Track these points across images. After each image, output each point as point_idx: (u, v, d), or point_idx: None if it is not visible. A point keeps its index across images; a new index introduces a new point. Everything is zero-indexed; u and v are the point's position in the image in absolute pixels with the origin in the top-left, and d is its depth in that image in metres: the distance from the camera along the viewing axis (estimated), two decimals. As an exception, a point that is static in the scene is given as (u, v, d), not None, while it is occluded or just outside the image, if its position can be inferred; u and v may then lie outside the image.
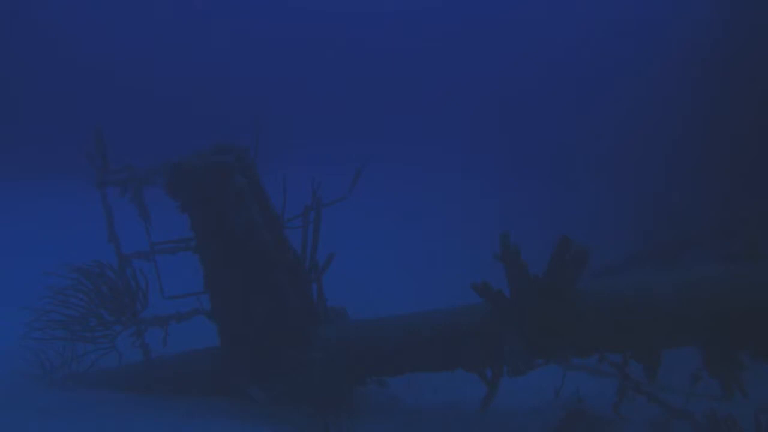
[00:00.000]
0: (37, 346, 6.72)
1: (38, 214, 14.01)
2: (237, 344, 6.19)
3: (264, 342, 6.09)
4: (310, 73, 23.44)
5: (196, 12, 22.75)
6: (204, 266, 6.12)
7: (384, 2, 24.10)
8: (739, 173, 11.10)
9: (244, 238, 5.89)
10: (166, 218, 6.37)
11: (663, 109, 13.67)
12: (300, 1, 23.69)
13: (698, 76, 12.59)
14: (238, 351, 6.19)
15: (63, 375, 6.75)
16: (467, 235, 12.39)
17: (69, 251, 7.61)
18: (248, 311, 6.05)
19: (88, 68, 19.96)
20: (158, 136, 15.02)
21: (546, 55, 20.58)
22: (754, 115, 10.99)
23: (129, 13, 21.77)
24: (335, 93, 22.22)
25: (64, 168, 13.03)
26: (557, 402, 6.26)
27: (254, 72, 21.96)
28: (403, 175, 16.98)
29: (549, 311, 5.44)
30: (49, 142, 17.05)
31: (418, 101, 21.75)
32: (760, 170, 10.57)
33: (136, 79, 20.14)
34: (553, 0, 21.58)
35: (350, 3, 23.73)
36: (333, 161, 14.10)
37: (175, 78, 20.38)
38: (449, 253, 12.29)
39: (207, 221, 5.95)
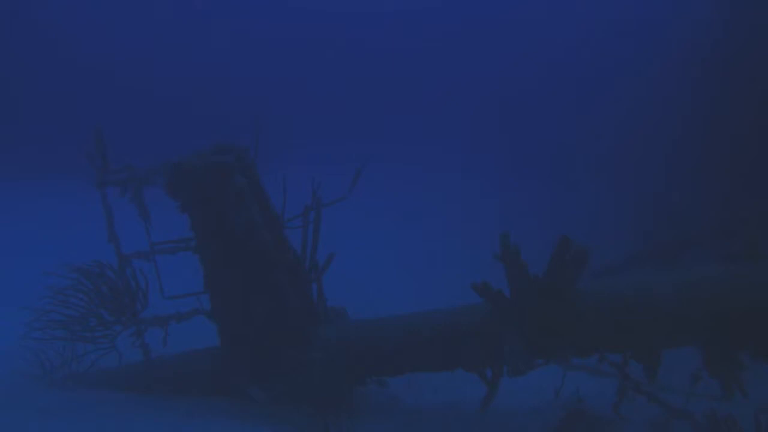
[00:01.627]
0: (37, 346, 6.72)
1: (38, 214, 14.01)
2: (237, 344, 6.19)
3: (264, 342, 6.09)
4: (310, 73, 23.44)
5: (196, 12, 22.75)
6: (204, 266, 6.12)
7: (384, 2, 24.10)
8: (739, 173, 11.09)
9: (244, 238, 5.89)
10: (166, 218, 6.37)
11: (663, 109, 13.66)
12: (300, 1, 23.69)
13: (698, 76, 12.59)
14: (238, 351, 6.19)
15: (63, 375, 6.75)
16: (467, 235, 12.39)
17: (69, 251, 7.61)
18: (248, 311, 6.05)
19: (88, 68, 19.96)
20: (158, 136, 15.02)
21: (546, 55, 20.58)
22: (754, 115, 10.98)
23: (129, 13, 21.77)
24: (335, 93, 22.22)
25: (64, 168, 13.03)
26: (557, 402, 6.26)
27: (254, 72, 21.96)
28: (403, 175, 16.98)
29: (549, 311, 5.44)
30: (49, 142, 17.05)
31: (418, 101, 21.75)
32: (760, 170, 10.57)
33: (136, 79, 20.13)
34: (553, 0, 21.58)
35: (350, 3, 23.73)
36: (333, 161, 14.10)
37: (175, 78, 20.38)
38: (449, 253, 12.29)
39: (207, 221, 5.95)
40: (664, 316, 5.30)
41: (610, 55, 17.06)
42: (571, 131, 16.74)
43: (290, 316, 6.09)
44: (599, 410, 6.03)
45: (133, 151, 7.80)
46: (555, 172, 15.98)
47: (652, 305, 5.33)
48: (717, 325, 5.24)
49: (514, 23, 22.08)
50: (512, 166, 17.13)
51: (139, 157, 6.70)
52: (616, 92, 15.83)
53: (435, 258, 12.18)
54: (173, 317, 6.50)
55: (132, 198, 6.46)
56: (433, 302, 6.23)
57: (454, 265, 10.90)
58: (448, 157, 18.17)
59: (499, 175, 16.86)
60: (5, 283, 9.77)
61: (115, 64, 20.41)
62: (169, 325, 6.51)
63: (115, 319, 6.51)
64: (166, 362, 6.56)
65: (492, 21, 22.92)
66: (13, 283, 9.41)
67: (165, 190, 6.00)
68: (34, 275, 6.89)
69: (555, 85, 19.20)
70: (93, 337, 6.53)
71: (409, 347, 5.95)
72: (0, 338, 7.63)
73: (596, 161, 15.26)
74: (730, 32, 12.03)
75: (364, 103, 21.48)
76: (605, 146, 15.29)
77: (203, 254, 6.10)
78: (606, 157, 15.05)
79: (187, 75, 20.69)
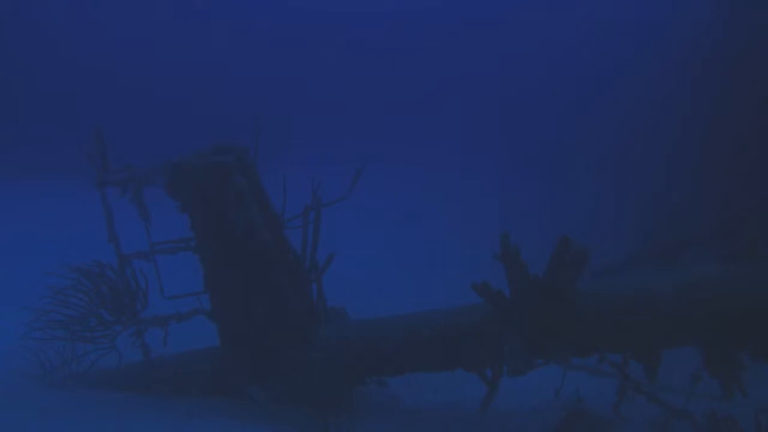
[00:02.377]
0: (37, 346, 6.72)
1: (38, 214, 14.01)
2: (237, 344, 6.19)
3: (264, 342, 6.09)
4: (310, 73, 23.44)
5: (196, 12, 22.75)
6: (204, 266, 6.12)
7: (384, 2, 24.10)
8: (739, 173, 11.09)
9: (244, 238, 5.89)
10: (166, 218, 6.37)
11: (663, 109, 13.67)
12: (300, 1, 23.69)
13: (698, 76, 12.59)
14: (238, 351, 6.19)
15: (63, 375, 6.75)
16: (467, 235, 12.39)
17: (69, 251, 7.61)
18: (248, 311, 6.05)
19: (88, 68, 19.96)
20: (158, 136, 15.02)
21: (546, 55, 20.58)
22: (754, 115, 10.98)
23: (129, 13, 21.78)
24: (335, 93, 22.23)
25: (64, 168, 13.03)
26: (557, 402, 6.26)
27: (254, 72, 21.96)
28: (403, 175, 16.99)
29: (549, 311, 5.44)
30: (49, 142, 17.05)
31: (418, 101, 21.75)
32: (760, 170, 10.57)
33: (136, 79, 20.14)
34: (553, 0, 21.58)
35: (350, 3, 23.73)
36: (333, 161, 14.10)
37: (175, 78, 20.38)
38: (449, 253, 12.29)
39: (207, 221, 5.95)
40: (664, 316, 5.30)
41: (610, 55, 17.07)
42: (571, 131, 16.74)
43: (290, 316, 6.09)
44: (599, 410, 6.03)
45: (133, 151, 7.80)
46: (555, 172, 15.98)
47: (652, 305, 5.33)
48: (717, 325, 5.24)
49: (514, 23, 22.09)
50: (512, 166, 17.13)
51: (139, 157, 6.70)
52: (616, 92, 15.83)
53: (435, 258, 12.18)
54: (173, 317, 6.50)
55: (132, 198, 6.46)
56: (433, 302, 6.23)
57: (454, 265, 10.90)
58: (448, 157, 18.17)
59: (499, 175, 16.86)
60: (5, 283, 9.77)
61: (115, 64, 20.41)
62: (169, 325, 6.51)
63: (115, 319, 6.51)
64: (166, 362, 6.56)
65: (492, 21, 22.92)
66: (13, 283, 9.40)
67: (165, 190, 6.00)
68: (34, 275, 6.89)
69: (555, 85, 19.20)
70: (93, 337, 6.53)
71: (409, 347, 5.95)
72: (0, 338, 7.63)
73: (596, 161, 15.26)
74: (730, 32, 12.03)
75: (364, 103, 21.48)
76: (605, 146, 15.30)
77: (203, 254, 6.10)
78: (606, 157, 15.05)
79: (187, 75, 20.69)
